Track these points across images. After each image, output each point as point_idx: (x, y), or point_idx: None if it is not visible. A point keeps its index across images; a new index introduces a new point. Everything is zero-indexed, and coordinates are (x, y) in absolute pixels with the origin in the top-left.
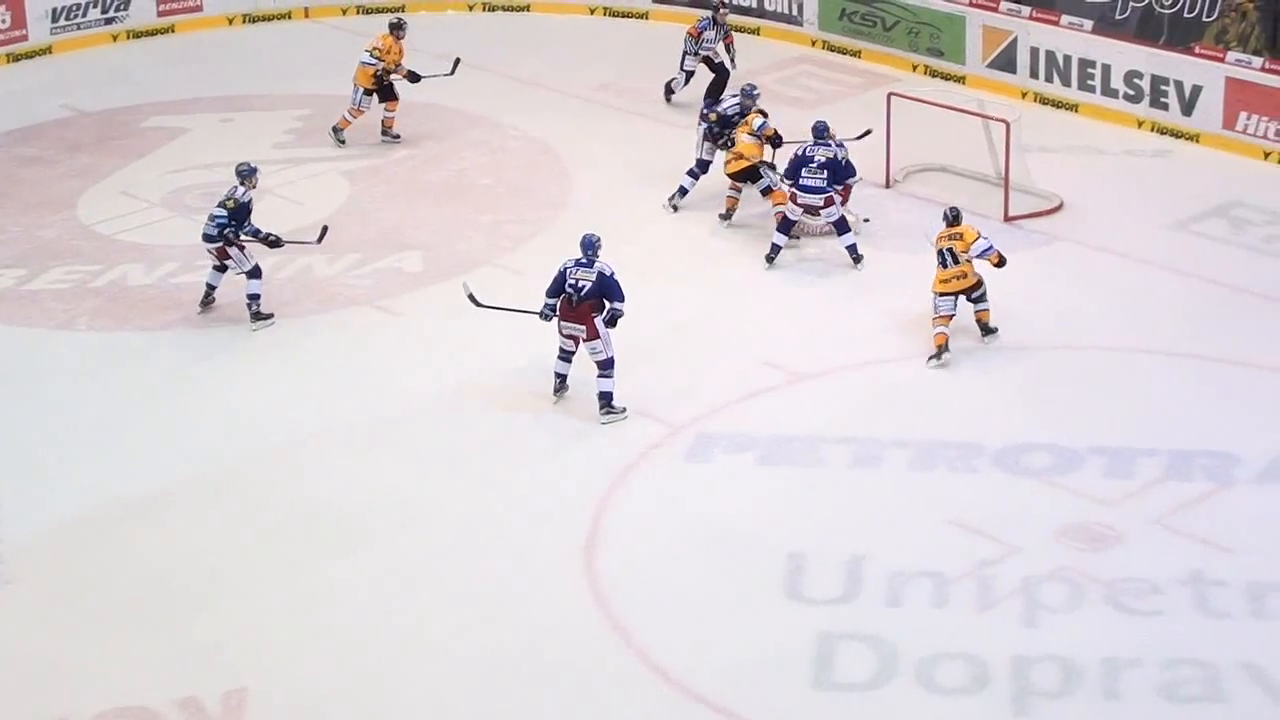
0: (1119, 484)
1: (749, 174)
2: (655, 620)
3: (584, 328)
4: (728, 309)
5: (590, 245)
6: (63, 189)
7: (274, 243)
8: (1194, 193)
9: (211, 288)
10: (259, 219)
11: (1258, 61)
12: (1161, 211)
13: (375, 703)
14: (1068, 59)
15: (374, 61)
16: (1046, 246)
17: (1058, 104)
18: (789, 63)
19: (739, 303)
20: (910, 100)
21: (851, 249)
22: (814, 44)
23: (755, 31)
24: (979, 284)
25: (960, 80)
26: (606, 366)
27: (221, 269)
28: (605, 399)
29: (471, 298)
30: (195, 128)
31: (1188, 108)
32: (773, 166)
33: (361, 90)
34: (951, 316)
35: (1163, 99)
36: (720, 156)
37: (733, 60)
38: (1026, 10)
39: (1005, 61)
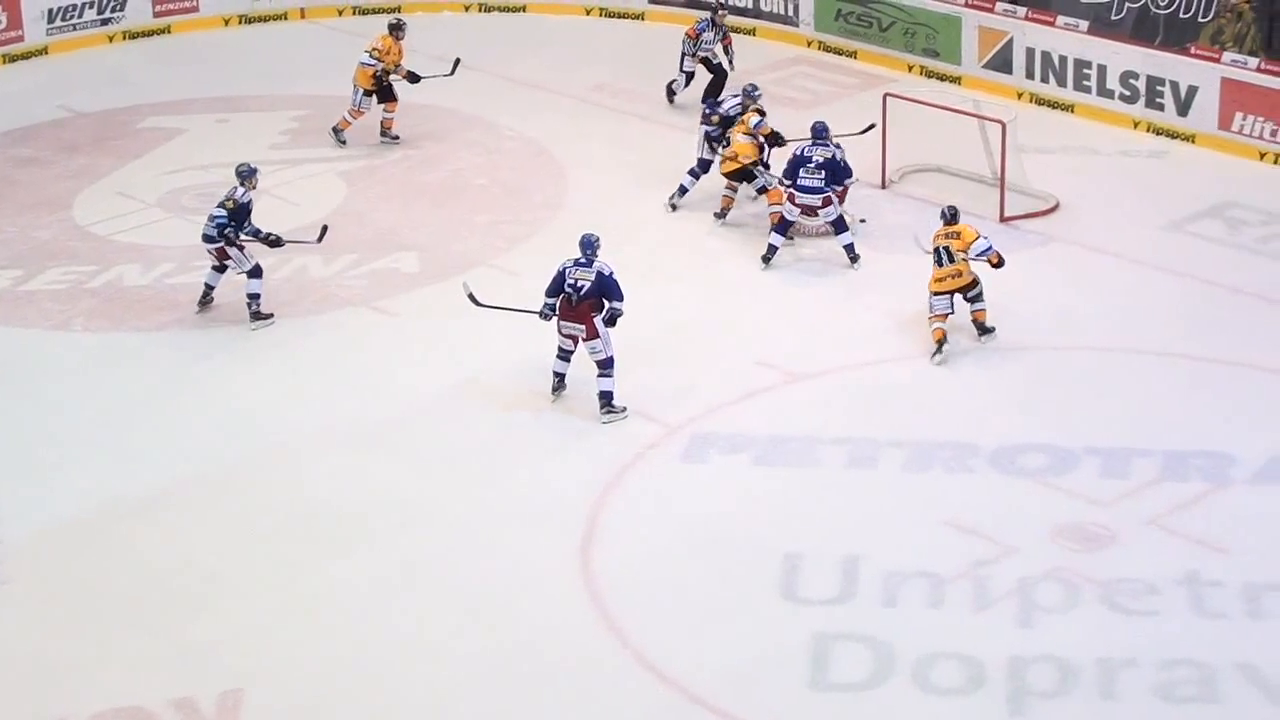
0: (1114, 484)
1: (744, 173)
2: (651, 620)
3: (583, 327)
4: (724, 309)
5: (589, 245)
6: (59, 190)
7: (274, 242)
8: (1189, 193)
9: (210, 288)
10: (256, 220)
11: (1253, 62)
12: (1157, 212)
13: (372, 703)
14: (1063, 59)
15: (373, 62)
16: (1042, 247)
17: (1053, 104)
18: (785, 63)
19: (735, 303)
20: (906, 101)
21: (849, 249)
22: (810, 45)
23: (751, 32)
24: (974, 283)
25: (956, 81)
26: (606, 366)
27: (220, 269)
28: (605, 398)
29: (471, 297)
30: (191, 128)
31: (1183, 108)
32: (767, 166)
33: (361, 91)
34: (948, 315)
35: (1158, 99)
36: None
37: (731, 62)
38: (1022, 11)
39: (1001, 62)
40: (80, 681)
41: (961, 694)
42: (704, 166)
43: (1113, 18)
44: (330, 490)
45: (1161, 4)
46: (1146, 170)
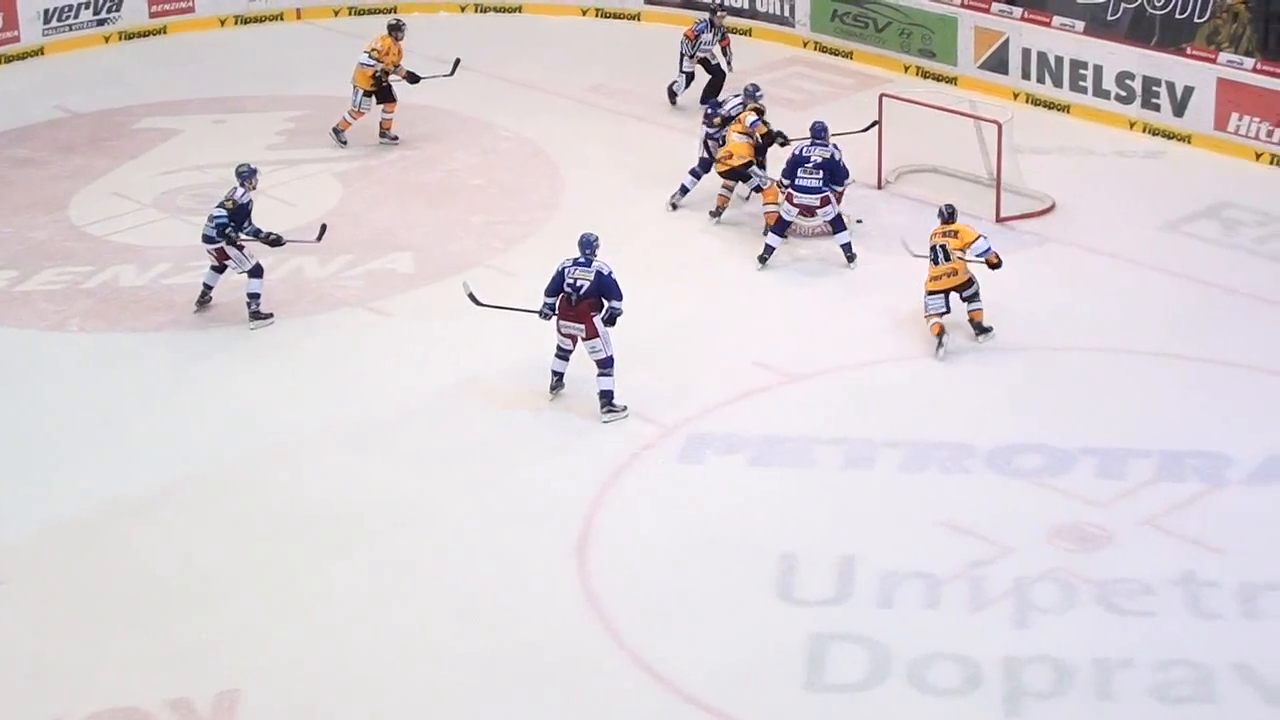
0: (1111, 485)
1: (740, 173)
2: (647, 621)
3: (583, 327)
4: (720, 310)
5: (588, 244)
6: (55, 190)
7: (275, 242)
8: (1186, 194)
9: (208, 288)
10: (254, 220)
11: (1249, 62)
12: (1153, 212)
13: (369, 703)
14: (1059, 60)
15: (372, 63)
16: (1038, 247)
17: (1049, 105)
18: (780, 64)
19: (731, 303)
20: (902, 101)
21: (846, 248)
22: (806, 45)
23: (747, 32)
24: (970, 282)
25: (952, 81)
26: (606, 365)
27: (219, 269)
28: (606, 397)
29: (471, 297)
30: (187, 129)
31: (1179, 109)
32: (763, 165)
33: (361, 92)
34: (944, 313)
35: (1154, 100)
36: None
37: (729, 63)
38: (1018, 11)
39: (997, 62)
40: (77, 681)
41: (958, 694)
42: (705, 166)
43: (1109, 18)
44: (327, 490)
45: (1157, 4)
46: (1143, 171)
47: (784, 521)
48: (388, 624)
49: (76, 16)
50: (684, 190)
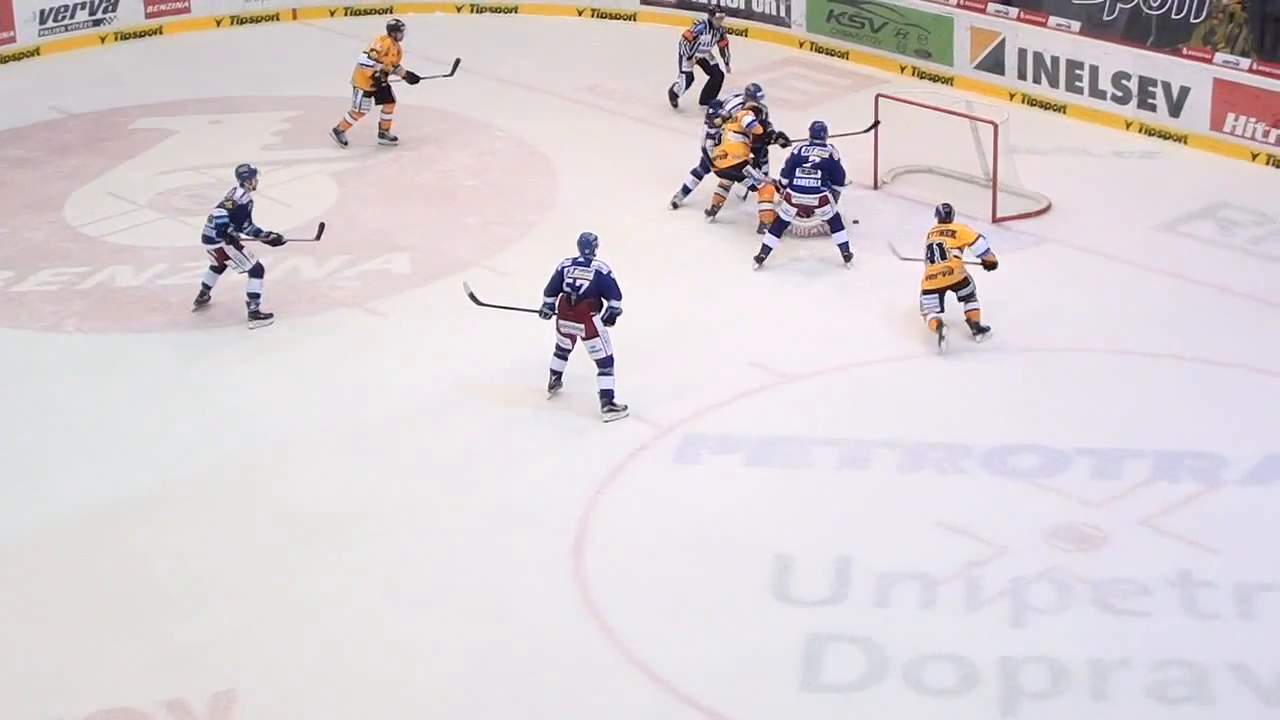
0: (1106, 485)
1: (735, 172)
2: (643, 621)
3: (582, 326)
4: (716, 310)
5: (587, 244)
6: (51, 191)
7: (276, 241)
8: (1182, 194)
9: (207, 288)
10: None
11: (1245, 63)
12: (1149, 213)
13: (364, 704)
14: (1055, 60)
15: (371, 63)
16: (1035, 248)
17: (1046, 105)
18: (777, 64)
19: (727, 304)
20: (898, 102)
21: (844, 247)
22: (802, 45)
23: (743, 33)
24: (966, 281)
25: (948, 81)
26: (606, 365)
27: (219, 269)
28: (606, 397)
29: (472, 296)
30: (183, 129)
31: (1176, 109)
32: (760, 165)
33: (361, 92)
34: (940, 312)
35: (1150, 100)
36: None
37: (727, 63)
38: (1014, 11)
39: (993, 63)
40: (72, 682)
41: (954, 695)
42: (706, 167)
43: (1105, 18)
44: (323, 490)
45: (1154, 5)
46: (1139, 171)
47: (780, 522)
48: (384, 624)
49: (72, 17)
50: (686, 190)
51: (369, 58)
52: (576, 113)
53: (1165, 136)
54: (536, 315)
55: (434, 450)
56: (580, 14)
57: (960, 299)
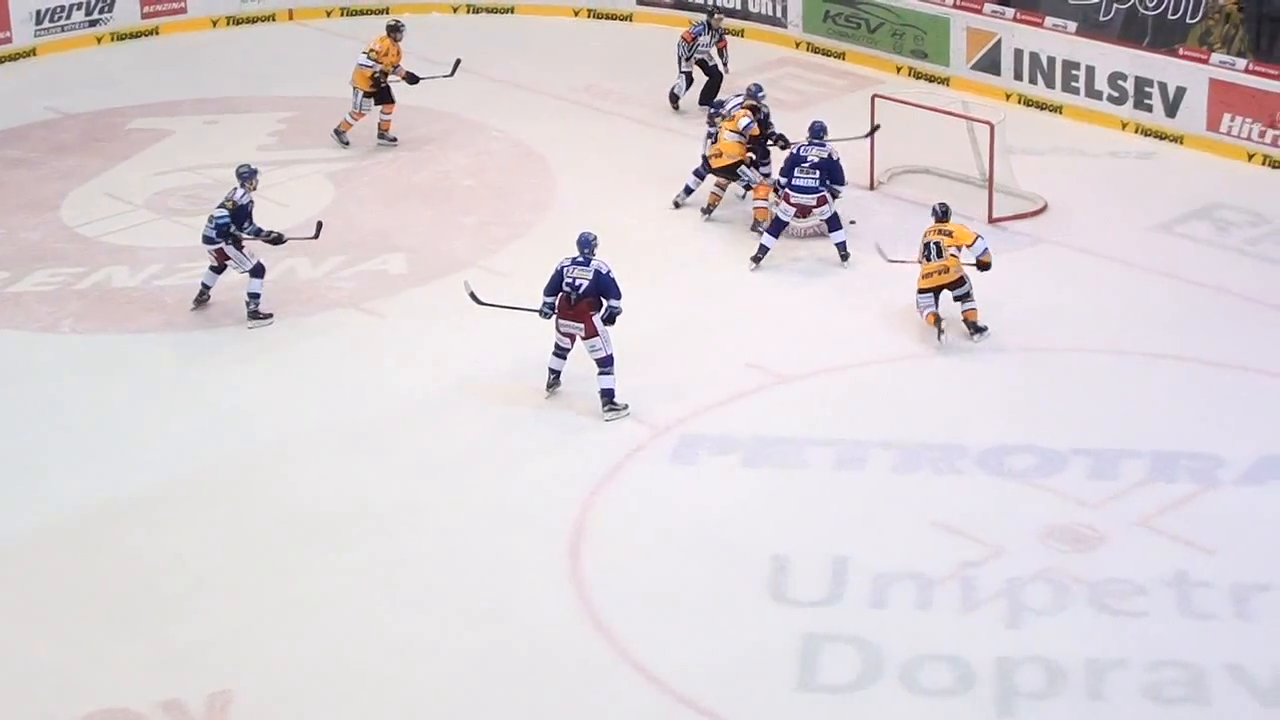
0: (1103, 485)
1: (731, 171)
2: (640, 622)
3: (582, 326)
4: (712, 310)
5: (587, 244)
6: (47, 191)
7: (277, 240)
8: (1178, 194)
9: (206, 288)
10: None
11: (1241, 63)
12: (1145, 213)
13: (360, 704)
14: (1052, 60)
15: (371, 64)
16: (1031, 248)
17: (1042, 106)
18: (773, 64)
19: (724, 304)
20: (894, 102)
21: (841, 246)
22: (798, 46)
23: (739, 33)
24: (961, 280)
25: (944, 82)
26: (606, 364)
27: (219, 270)
28: (607, 396)
29: (473, 295)
30: (179, 130)
31: (1172, 109)
32: (758, 165)
33: (361, 93)
34: (935, 308)
35: (1147, 101)
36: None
37: (726, 64)
38: (1010, 12)
39: (989, 63)
40: (69, 683)
41: (950, 695)
42: (708, 166)
43: (1101, 19)
44: (320, 491)
45: (1150, 5)
46: (1135, 171)
47: (776, 522)
48: (380, 625)
49: (69, 17)
50: (688, 190)
51: (368, 58)
52: (573, 113)
53: (1161, 137)
54: (537, 315)
55: (432, 450)
56: (576, 14)
57: (956, 298)
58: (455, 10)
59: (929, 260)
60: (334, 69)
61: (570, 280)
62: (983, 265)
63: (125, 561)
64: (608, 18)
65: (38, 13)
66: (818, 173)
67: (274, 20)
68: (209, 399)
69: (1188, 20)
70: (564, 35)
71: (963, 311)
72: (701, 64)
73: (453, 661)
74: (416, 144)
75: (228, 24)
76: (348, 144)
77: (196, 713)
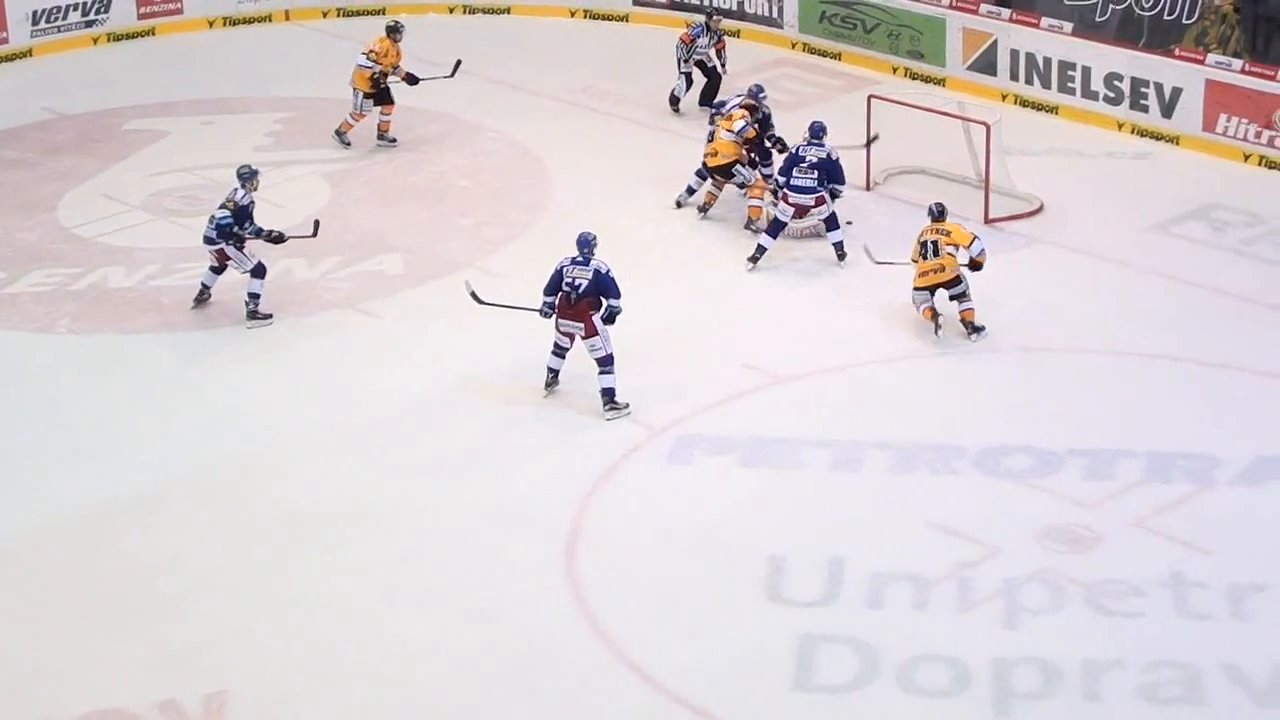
0: (1099, 486)
1: (727, 170)
2: (636, 622)
3: (582, 325)
4: (709, 311)
5: (586, 243)
6: (43, 192)
7: (277, 239)
8: (1174, 195)
9: (206, 287)
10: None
11: (1238, 64)
12: (1141, 214)
13: (357, 705)
14: (1048, 61)
15: (370, 64)
16: (1027, 249)
17: (1038, 106)
18: (769, 65)
19: (720, 304)
20: (890, 103)
21: (838, 246)
22: (794, 46)
23: (735, 34)
24: (958, 279)
25: (940, 83)
26: (606, 363)
27: (219, 270)
28: (608, 395)
29: (474, 295)
30: (176, 130)
31: (1168, 110)
32: (755, 164)
33: (361, 94)
34: (931, 303)
35: (1143, 101)
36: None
37: (724, 65)
38: (1006, 13)
39: (985, 64)
40: (65, 684)
41: (946, 695)
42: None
43: (1097, 19)
44: (317, 491)
45: (1146, 6)
46: (1131, 172)
47: (773, 523)
48: (377, 625)
49: (65, 18)
50: (690, 191)
51: (368, 59)
52: (569, 114)
53: (1157, 137)
54: (537, 314)
55: (427, 451)
56: (573, 15)
57: (953, 298)
58: (451, 11)
59: (925, 259)
60: (330, 70)
61: (570, 280)
62: (975, 265)
63: (122, 561)
64: (604, 18)
65: (34, 13)
66: (816, 173)
67: (270, 21)
68: (206, 399)
69: (1184, 21)
70: (560, 36)
71: (960, 311)
72: (700, 65)
73: (449, 661)
74: (413, 145)
75: (224, 25)
76: (349, 144)
77: (193, 713)
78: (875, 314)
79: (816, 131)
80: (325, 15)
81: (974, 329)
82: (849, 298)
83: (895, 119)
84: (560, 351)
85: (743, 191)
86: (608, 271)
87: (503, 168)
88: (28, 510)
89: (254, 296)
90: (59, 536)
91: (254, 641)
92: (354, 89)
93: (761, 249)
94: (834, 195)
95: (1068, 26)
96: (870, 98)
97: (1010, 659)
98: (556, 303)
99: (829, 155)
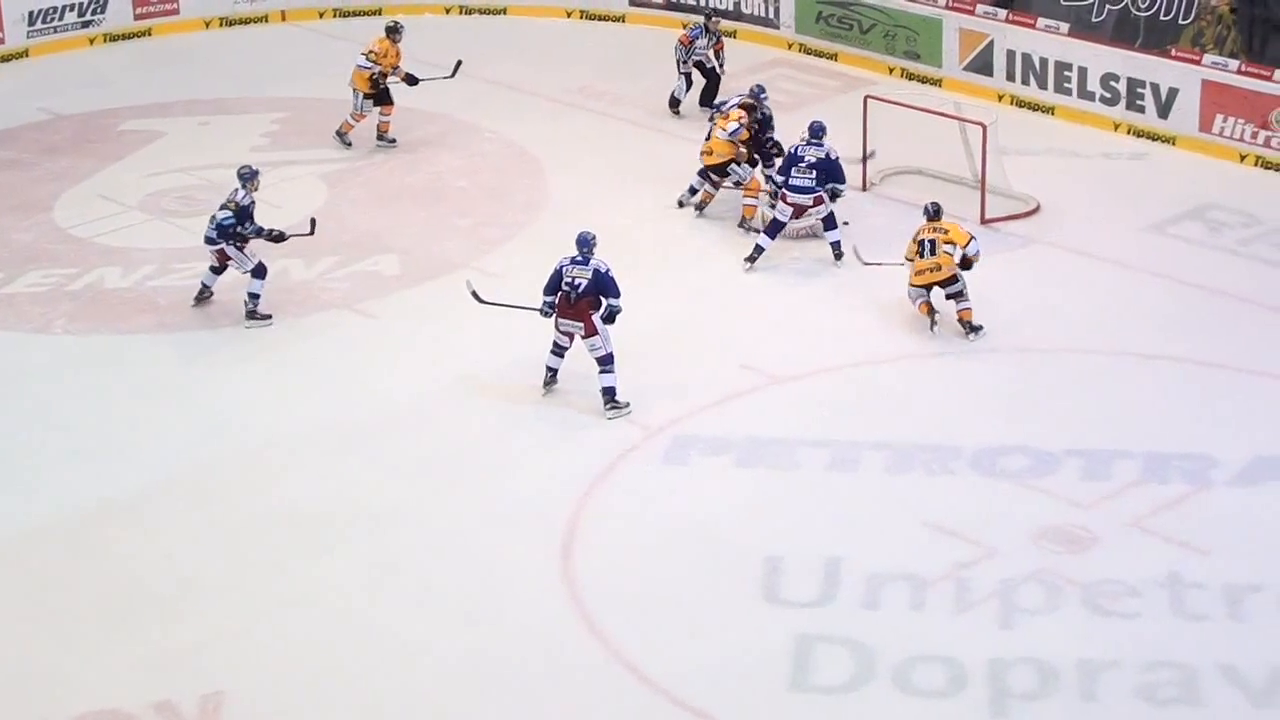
0: (1096, 486)
1: (722, 169)
2: (632, 622)
3: (582, 324)
4: (706, 311)
5: (585, 243)
6: (40, 192)
7: (278, 237)
8: (1170, 195)
9: (206, 287)
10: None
11: (1234, 64)
12: (1138, 214)
13: (353, 705)
14: (1044, 61)
15: (370, 65)
16: (1023, 249)
17: (1034, 107)
18: (766, 65)
19: (717, 305)
20: (887, 103)
21: (835, 245)
22: (791, 47)
23: (732, 34)
24: (954, 279)
25: (937, 83)
26: (606, 362)
27: (219, 270)
28: (609, 394)
29: (475, 295)
30: (172, 131)
31: (1164, 110)
32: (755, 163)
33: (361, 94)
34: (927, 299)
35: (1139, 101)
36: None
37: (721, 66)
38: (1003, 13)
39: (982, 64)
40: (60, 685)
41: (943, 696)
42: None
43: (1093, 20)
44: (313, 492)
45: (1142, 6)
46: (1127, 172)
47: (769, 523)
48: (373, 625)
49: (61, 18)
50: (692, 190)
51: (367, 60)
52: (566, 114)
53: (1154, 138)
54: (537, 313)
55: (423, 452)
56: (569, 15)
57: (949, 296)
58: (448, 11)
59: (922, 257)
60: (327, 70)
61: (570, 279)
62: (966, 263)
63: (119, 562)
64: (600, 19)
65: (30, 14)
66: (814, 173)
67: (266, 21)
68: (203, 400)
69: (1180, 21)
70: (557, 36)
71: (958, 311)
72: (700, 66)
73: (445, 662)
74: (409, 145)
75: (220, 25)
76: (350, 145)
77: (189, 714)
78: (873, 314)
79: (816, 131)
80: (321, 16)
81: (972, 328)
82: (846, 298)
83: (892, 119)
84: (559, 350)
85: (741, 191)
86: (607, 271)
87: (499, 168)
88: (25, 510)
89: (254, 297)
90: (56, 537)
91: (251, 642)
92: (353, 90)
93: (759, 249)
94: (835, 195)
95: (1064, 27)
96: (867, 98)
97: (1007, 659)
98: (556, 302)
99: (828, 155)
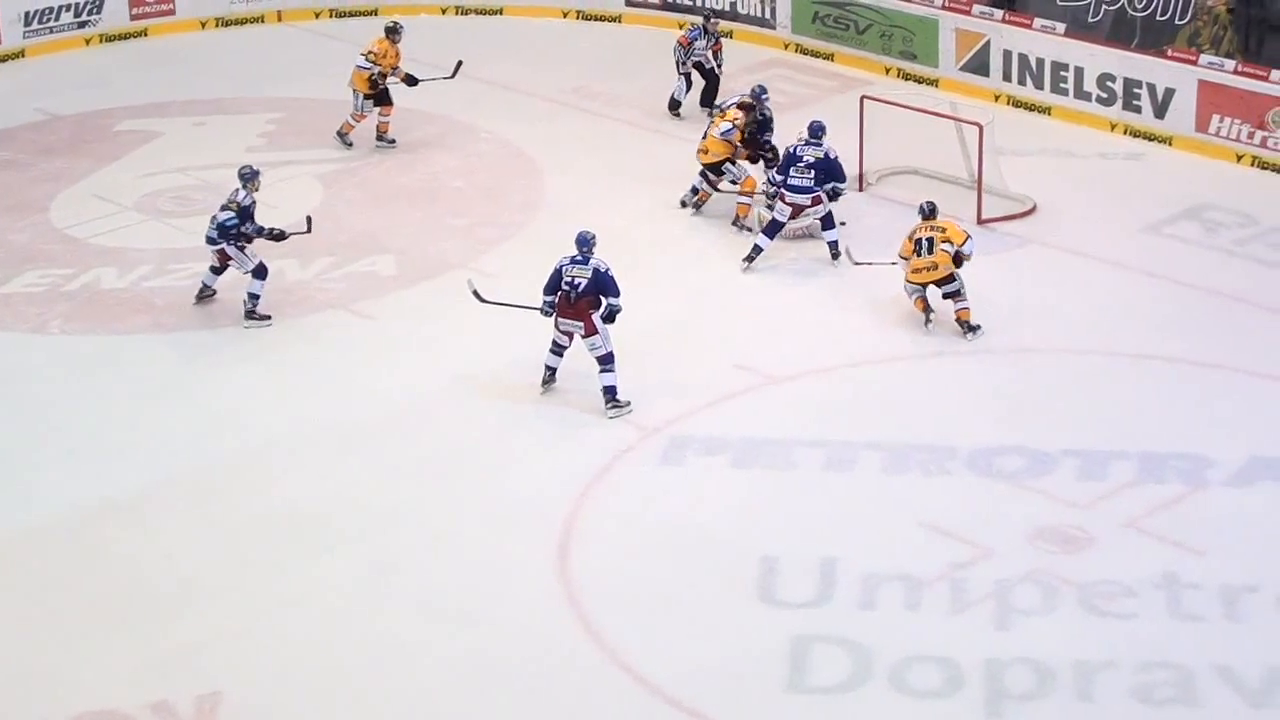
0: (1092, 486)
1: (717, 168)
2: (628, 623)
3: (582, 324)
4: (703, 311)
5: (585, 242)
6: (36, 193)
7: (278, 236)
8: (1166, 195)
9: (207, 286)
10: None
11: (1230, 64)
12: (1134, 214)
13: (350, 705)
14: (1040, 62)
15: (369, 65)
16: (1019, 249)
17: (1030, 107)
18: (761, 65)
19: (714, 305)
20: (883, 103)
21: (833, 245)
22: (787, 47)
23: (728, 34)
24: (951, 278)
25: (933, 83)
26: (606, 361)
27: (219, 270)
28: (609, 393)
29: (476, 294)
30: (168, 131)
31: (1160, 110)
32: (754, 161)
33: (360, 95)
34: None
35: (1135, 102)
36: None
37: (720, 66)
38: (999, 13)
39: (978, 64)
40: (58, 685)
41: (939, 696)
42: None
43: (1090, 20)
44: (309, 492)
45: (1139, 6)
46: (1124, 172)
47: (765, 523)
48: (370, 626)
49: (57, 19)
50: (694, 190)
51: (366, 60)
52: (562, 114)
53: (1150, 138)
54: (538, 313)
55: (420, 452)
56: (565, 16)
57: (946, 296)
58: (444, 11)
59: (919, 256)
60: (323, 70)
61: (569, 279)
62: (958, 260)
63: (116, 562)
64: (597, 19)
65: (26, 14)
66: (813, 172)
67: (263, 22)
68: (200, 400)
69: (1176, 22)
70: (553, 37)
71: (955, 310)
72: (699, 67)
73: (442, 662)
74: (405, 146)
75: (216, 25)
76: (350, 145)
77: (186, 714)
78: (869, 314)
79: (815, 131)
80: (317, 16)
81: (970, 328)
82: (843, 298)
83: (888, 120)
84: (558, 350)
85: (737, 189)
86: (607, 270)
87: (495, 168)
88: (22, 510)
89: (253, 297)
90: (53, 537)
91: (248, 642)
92: (353, 90)
93: (758, 249)
94: (835, 195)
95: (1060, 27)
96: (863, 98)
97: (1003, 660)
98: (556, 301)
99: (827, 155)
